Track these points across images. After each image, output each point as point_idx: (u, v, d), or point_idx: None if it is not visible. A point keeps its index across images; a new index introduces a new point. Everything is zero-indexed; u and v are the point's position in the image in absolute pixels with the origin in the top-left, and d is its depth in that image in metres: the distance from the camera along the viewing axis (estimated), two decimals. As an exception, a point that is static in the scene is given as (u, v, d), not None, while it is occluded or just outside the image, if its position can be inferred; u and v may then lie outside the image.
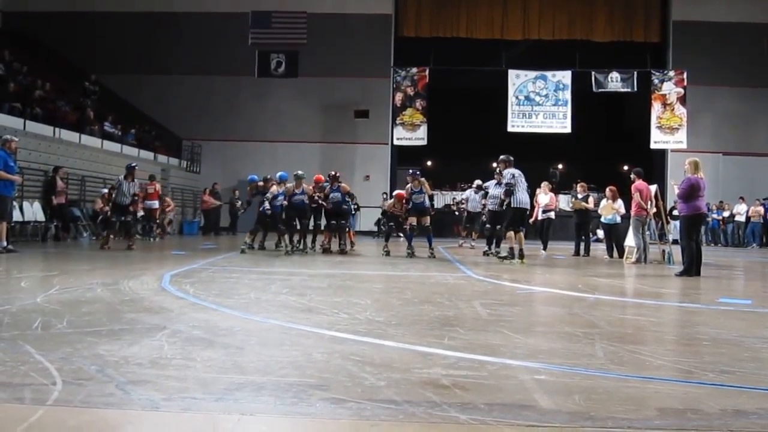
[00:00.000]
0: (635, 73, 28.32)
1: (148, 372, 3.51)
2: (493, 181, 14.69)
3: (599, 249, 17.58)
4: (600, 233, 19.71)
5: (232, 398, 3.08)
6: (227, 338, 4.50)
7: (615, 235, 15.51)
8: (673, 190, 11.20)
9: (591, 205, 16.59)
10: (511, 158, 13.24)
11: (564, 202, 24.32)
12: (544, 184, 17.39)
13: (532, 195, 15.60)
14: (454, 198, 28.06)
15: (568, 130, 28.30)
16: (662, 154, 28.78)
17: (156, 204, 19.74)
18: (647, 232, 13.94)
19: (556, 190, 22.08)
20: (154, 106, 28.56)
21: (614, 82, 28.32)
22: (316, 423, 2.83)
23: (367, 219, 25.87)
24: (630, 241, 14.21)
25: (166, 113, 28.72)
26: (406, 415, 2.91)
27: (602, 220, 15.88)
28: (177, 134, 28.76)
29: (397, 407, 2.99)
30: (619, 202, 15.54)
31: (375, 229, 25.52)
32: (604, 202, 15.76)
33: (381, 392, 3.23)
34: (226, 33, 28.82)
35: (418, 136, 28.33)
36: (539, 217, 17.07)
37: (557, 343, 4.67)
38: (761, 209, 25.51)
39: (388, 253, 14.57)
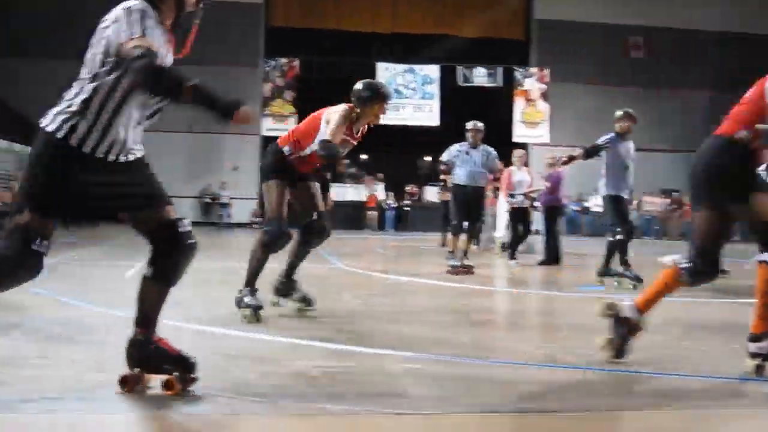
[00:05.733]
0: (500, 69, 29.19)
1: (3, 372, 3.30)
2: None
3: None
4: None
5: (93, 397, 2.95)
6: (89, 335, 4.33)
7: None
8: (540, 183, 11.56)
9: None
10: None
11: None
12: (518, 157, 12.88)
13: None
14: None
15: (436, 123, 28.84)
16: (525, 147, 29.78)
17: None
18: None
19: (423, 182, 22.30)
20: (8, 89, 26.87)
21: (480, 77, 29.09)
22: (182, 419, 2.75)
23: (238, 211, 25.74)
24: (501, 231, 14.16)
25: (24, 98, 27.07)
26: (276, 407, 2.88)
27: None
28: (34, 121, 27.24)
29: (267, 400, 2.96)
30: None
31: (248, 221, 25.05)
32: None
33: (250, 385, 3.19)
34: (83, 15, 27.44)
35: (288, 127, 28.08)
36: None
37: (426, 331, 4.75)
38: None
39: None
